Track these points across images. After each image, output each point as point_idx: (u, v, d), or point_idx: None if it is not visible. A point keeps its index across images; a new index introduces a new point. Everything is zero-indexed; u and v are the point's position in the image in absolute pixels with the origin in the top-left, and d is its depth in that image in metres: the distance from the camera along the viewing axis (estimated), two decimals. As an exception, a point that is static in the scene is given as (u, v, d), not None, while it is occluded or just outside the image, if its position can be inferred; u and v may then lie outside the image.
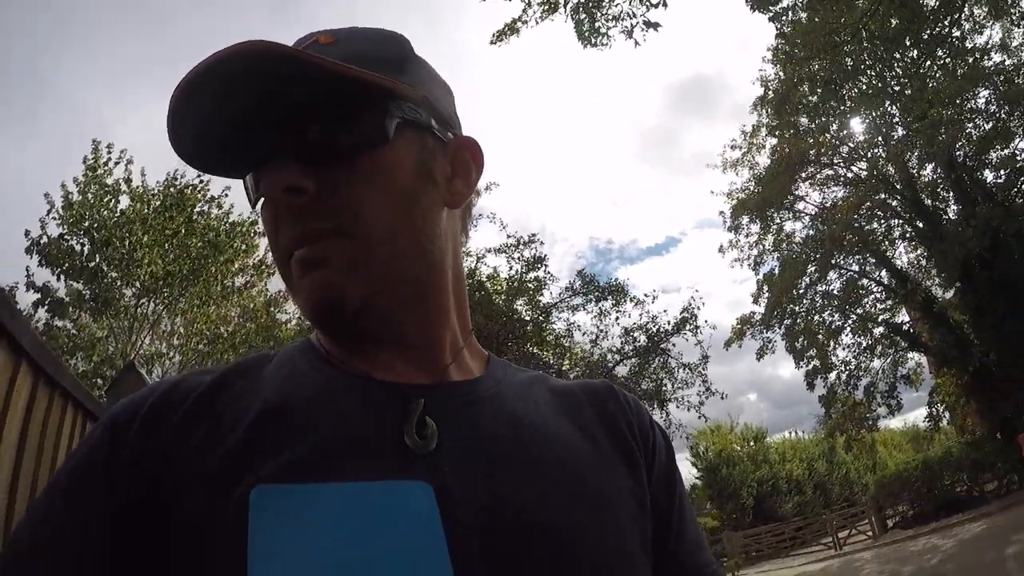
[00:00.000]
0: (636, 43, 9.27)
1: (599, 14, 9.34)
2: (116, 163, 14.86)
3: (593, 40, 9.58)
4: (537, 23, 9.44)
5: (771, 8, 9.55)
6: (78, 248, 14.21)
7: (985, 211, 17.98)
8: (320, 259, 0.66)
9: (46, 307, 13.86)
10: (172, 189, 15.23)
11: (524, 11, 9.34)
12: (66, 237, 14.15)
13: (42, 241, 13.74)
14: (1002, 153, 19.63)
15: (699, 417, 20.04)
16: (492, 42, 10.01)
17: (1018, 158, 19.33)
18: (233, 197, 16.63)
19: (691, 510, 0.82)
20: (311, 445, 0.61)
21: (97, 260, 14.21)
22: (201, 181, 15.64)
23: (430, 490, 0.59)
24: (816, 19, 11.23)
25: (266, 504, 0.55)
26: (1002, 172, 19.76)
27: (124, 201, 14.82)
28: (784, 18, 10.62)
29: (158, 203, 14.94)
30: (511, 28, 9.55)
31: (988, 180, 20.36)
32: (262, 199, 0.69)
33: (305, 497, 0.57)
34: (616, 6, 9.29)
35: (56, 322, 14.17)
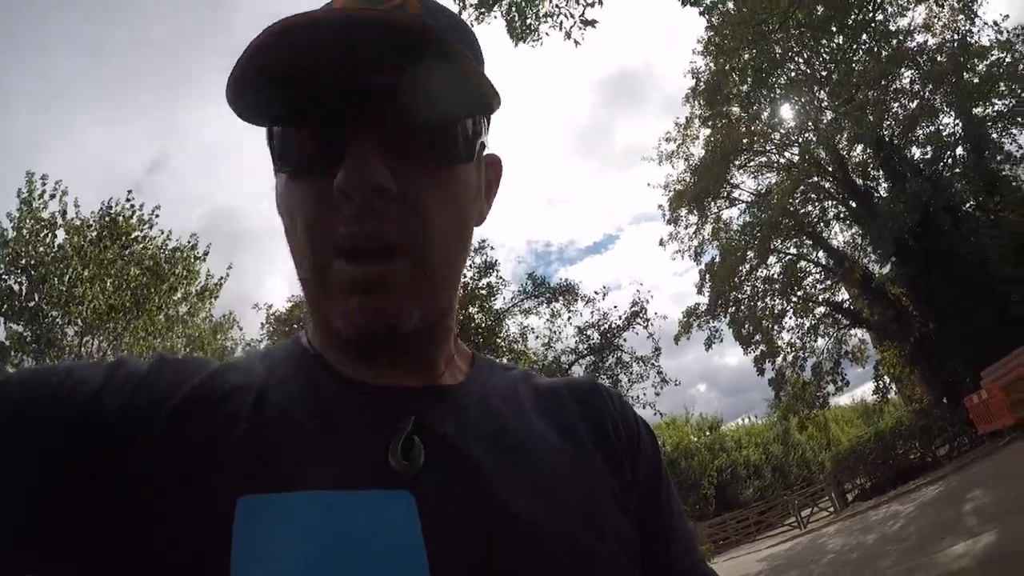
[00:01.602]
0: (576, 43, 9.54)
1: (530, 11, 9.62)
2: (52, 196, 14.55)
3: (525, 37, 9.83)
4: (473, 24, 9.45)
5: (702, 2, 9.94)
6: (16, 288, 13.87)
7: (914, 187, 18.89)
8: (379, 283, 0.62)
9: None
10: (107, 218, 15.01)
11: (459, 12, 9.42)
12: (3, 277, 13.83)
13: None
14: (928, 130, 20.58)
15: (655, 414, 20.64)
16: None
17: (943, 134, 20.35)
18: (166, 221, 16.45)
19: (678, 506, 0.84)
20: (299, 454, 0.61)
21: (36, 299, 13.87)
22: (132, 207, 15.46)
23: (412, 500, 0.60)
24: (745, 10, 11.63)
25: (251, 513, 0.56)
26: (929, 148, 20.80)
27: (60, 235, 14.50)
28: (714, 10, 11.04)
29: (94, 234, 14.68)
30: None
31: (916, 157, 21.32)
32: (303, 175, 0.64)
33: (289, 506, 0.57)
34: (549, 3, 9.59)
35: None
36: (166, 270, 15.64)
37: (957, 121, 20.12)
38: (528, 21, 9.68)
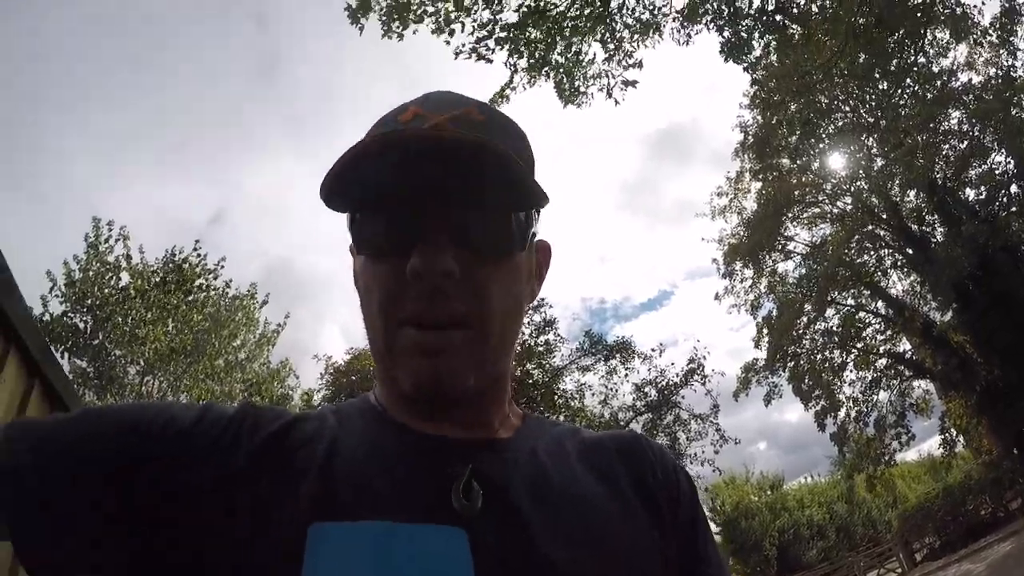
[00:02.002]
0: (616, 102, 9.79)
1: (578, 74, 9.88)
2: (116, 240, 15.23)
3: (573, 99, 10.07)
4: (524, 89, 9.82)
5: (745, 58, 10.14)
6: (81, 326, 14.47)
7: (971, 229, 18.62)
8: (444, 348, 0.71)
9: None
10: (171, 265, 15.61)
11: (511, 78, 9.75)
12: (69, 315, 14.43)
13: (44, 319, 13.96)
14: (980, 170, 20.34)
15: (714, 471, 20.31)
16: None
17: (996, 172, 20.07)
18: (229, 271, 17.09)
19: (718, 556, 0.89)
20: (365, 490, 0.69)
21: (100, 338, 14.44)
22: (199, 255, 16.06)
23: (465, 537, 0.66)
24: (788, 62, 11.76)
25: (321, 539, 0.63)
26: (982, 188, 20.54)
27: (124, 277, 15.14)
28: (758, 66, 11.22)
29: (158, 279, 15.27)
30: (501, 96, 9.91)
31: (970, 198, 21.02)
32: (381, 257, 0.75)
33: (356, 533, 0.65)
34: (594, 66, 9.89)
35: None
36: (226, 317, 16.24)
37: (1009, 159, 19.75)
38: (576, 83, 9.96)
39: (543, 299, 18.98)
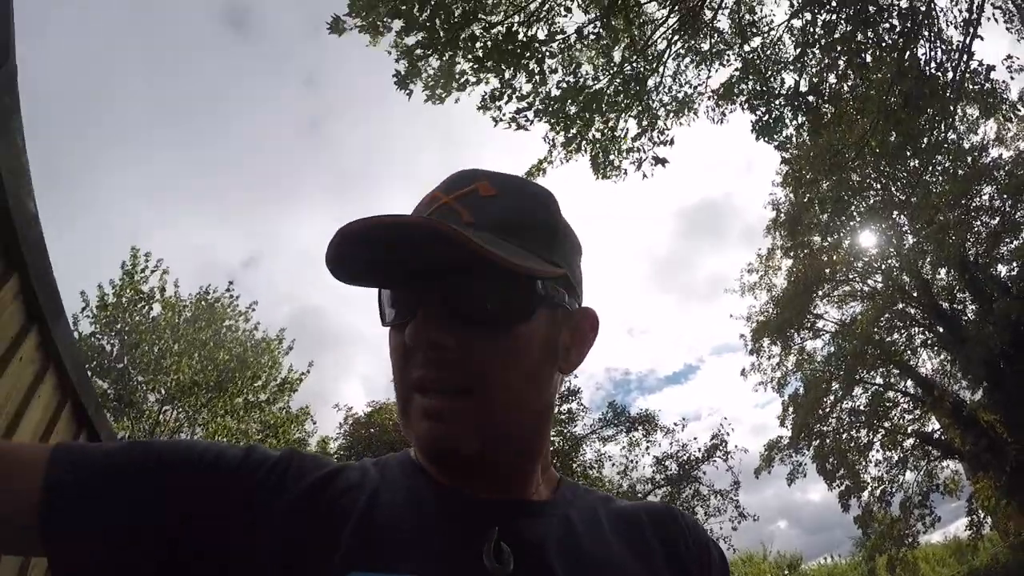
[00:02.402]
0: (644, 175, 10.06)
1: (613, 149, 10.10)
2: (152, 271, 15.64)
3: (607, 173, 10.25)
4: (562, 163, 10.03)
5: (775, 137, 10.31)
6: (108, 348, 14.84)
7: (1003, 307, 18.48)
8: (442, 413, 0.74)
9: None
10: (203, 302, 16.07)
11: (550, 152, 9.96)
12: (97, 336, 14.81)
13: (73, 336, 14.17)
14: (1012, 246, 20.15)
15: (729, 548, 19.98)
16: None
17: None
18: (259, 315, 17.32)
19: None
20: (402, 544, 0.71)
21: (125, 362, 14.78)
22: (231, 296, 16.56)
23: None
24: (820, 141, 11.92)
25: None
26: (1015, 264, 20.24)
27: (156, 308, 15.55)
28: (788, 145, 11.40)
29: (189, 314, 15.70)
30: (538, 168, 10.09)
31: (1002, 275, 20.76)
32: (396, 328, 0.81)
33: None
34: (628, 141, 10.12)
35: None
36: (252, 359, 16.48)
37: None
38: (611, 158, 10.17)
39: (567, 368, 19.12)
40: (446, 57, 7.65)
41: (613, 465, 20.60)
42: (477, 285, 0.76)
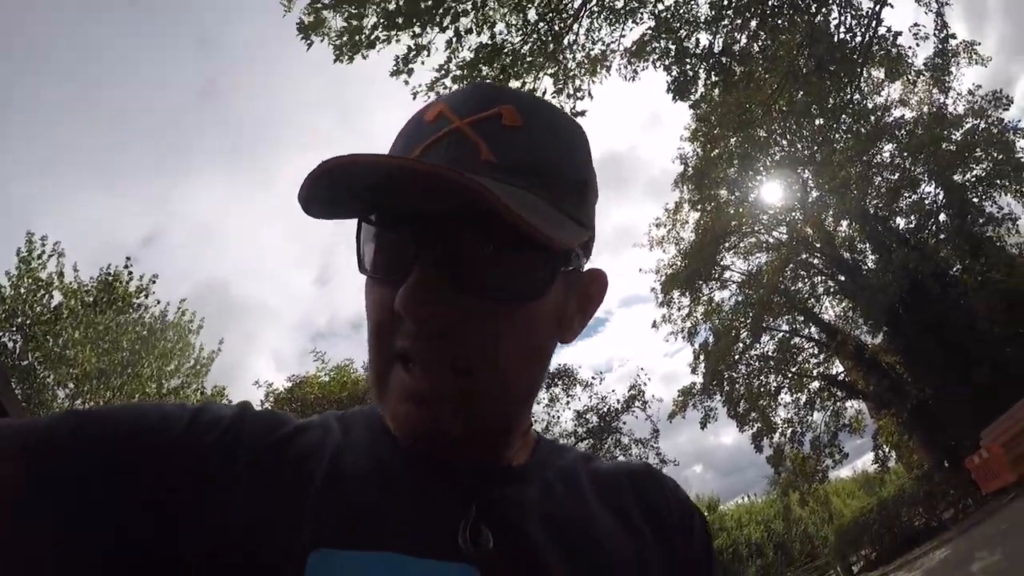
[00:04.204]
0: None
1: None
2: (49, 256, 14.61)
3: None
4: None
5: (690, 96, 10.30)
6: (10, 345, 13.84)
7: (901, 257, 19.21)
8: (427, 395, 0.63)
9: None
10: (103, 284, 15.17)
11: None
12: None
13: None
14: (911, 200, 21.15)
15: None
16: None
17: (926, 202, 20.90)
18: (163, 293, 16.53)
19: None
20: (371, 518, 0.63)
21: (30, 358, 13.84)
22: (130, 274, 15.62)
23: (476, 574, 0.62)
24: (730, 99, 12.01)
25: (323, 566, 0.58)
26: (912, 217, 21.28)
27: (57, 296, 14.55)
28: (703, 103, 11.44)
29: (91, 299, 14.77)
30: None
31: (901, 227, 21.74)
32: (379, 281, 0.65)
33: (362, 564, 0.59)
34: (552, 100, 9.81)
35: None
36: (159, 340, 15.68)
37: (938, 189, 20.67)
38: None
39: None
40: (353, 10, 7.21)
41: (536, 422, 20.66)
42: (494, 251, 0.61)
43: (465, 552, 0.63)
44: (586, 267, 0.75)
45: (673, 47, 9.98)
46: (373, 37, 7.64)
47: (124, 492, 0.58)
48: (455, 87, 9.06)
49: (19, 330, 13.99)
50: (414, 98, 8.65)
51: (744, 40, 10.23)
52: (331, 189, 0.59)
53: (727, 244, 24.58)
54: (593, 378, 20.99)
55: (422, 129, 0.65)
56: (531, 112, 0.67)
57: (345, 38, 7.43)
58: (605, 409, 20.76)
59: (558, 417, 20.90)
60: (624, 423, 20.77)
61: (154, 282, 16.06)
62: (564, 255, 0.67)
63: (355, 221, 0.66)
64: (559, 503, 0.74)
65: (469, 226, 0.60)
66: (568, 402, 20.75)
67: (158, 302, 16.23)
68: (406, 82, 8.63)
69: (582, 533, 0.72)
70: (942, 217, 21.09)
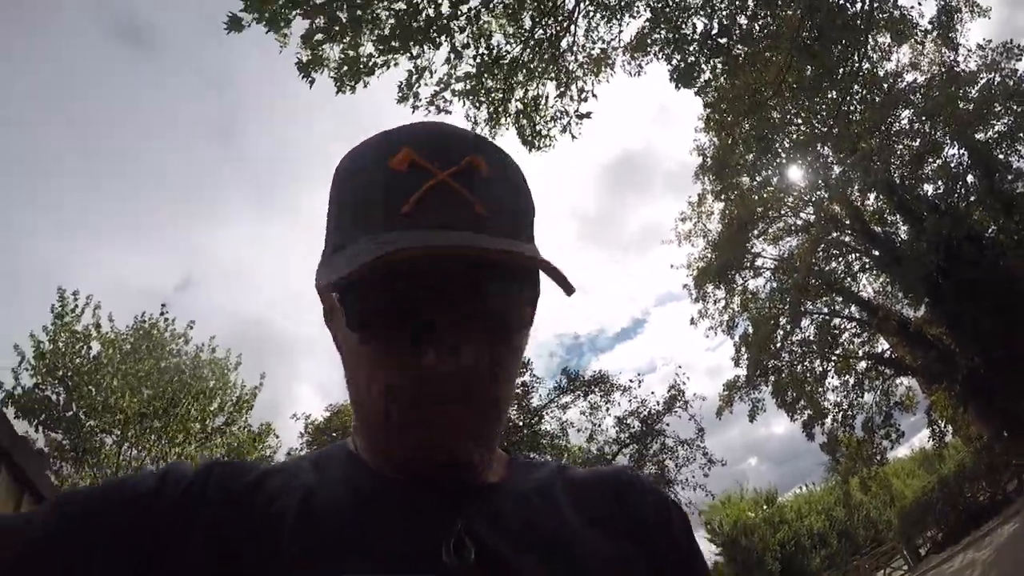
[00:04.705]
0: (573, 137, 9.87)
1: (538, 118, 9.94)
2: (83, 309, 15.04)
3: (536, 142, 10.04)
4: (486, 134, 9.69)
5: (694, 82, 10.28)
6: (54, 398, 14.21)
7: (933, 224, 19.01)
8: (469, 431, 0.68)
9: None
10: (140, 331, 15.51)
11: (472, 128, 9.94)
12: (40, 387, 14.16)
13: (16, 392, 13.77)
14: (935, 165, 20.87)
15: (706, 495, 20.23)
16: None
17: (950, 165, 20.61)
18: (200, 334, 16.79)
19: None
20: (347, 545, 0.65)
21: (74, 408, 14.21)
22: (166, 320, 16.00)
23: None
24: (738, 83, 12.00)
25: None
26: (939, 182, 20.96)
27: (96, 347, 14.92)
28: (708, 89, 11.45)
29: (128, 346, 15.13)
30: None
31: (929, 193, 21.43)
32: (377, 332, 0.67)
33: None
34: (551, 109, 9.99)
35: None
36: (196, 383, 15.92)
37: (962, 150, 20.33)
38: (537, 127, 10.02)
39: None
40: (348, 40, 7.35)
41: (579, 431, 20.56)
42: (510, 295, 0.68)
43: (450, 566, 0.65)
44: None
45: (672, 35, 10.01)
46: (371, 64, 7.78)
47: (105, 565, 0.61)
48: (456, 100, 9.19)
49: (61, 382, 14.32)
50: (413, 112, 8.77)
51: (744, 21, 10.24)
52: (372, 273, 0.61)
53: (755, 231, 24.47)
54: (631, 381, 20.88)
55: (398, 179, 0.66)
56: (492, 157, 0.72)
57: (344, 68, 7.57)
58: (646, 412, 20.64)
59: (600, 424, 20.82)
60: (668, 425, 20.66)
61: (191, 327, 16.47)
62: (537, 285, 0.72)
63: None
64: (536, 515, 0.76)
65: (488, 278, 0.65)
66: (608, 408, 20.66)
67: (196, 347, 16.51)
68: (413, 106, 8.78)
69: (559, 542, 0.74)
70: (970, 178, 20.74)
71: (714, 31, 9.80)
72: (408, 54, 7.97)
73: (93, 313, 15.17)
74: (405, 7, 7.36)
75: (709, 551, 35.36)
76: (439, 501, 0.71)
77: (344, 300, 0.67)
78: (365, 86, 7.98)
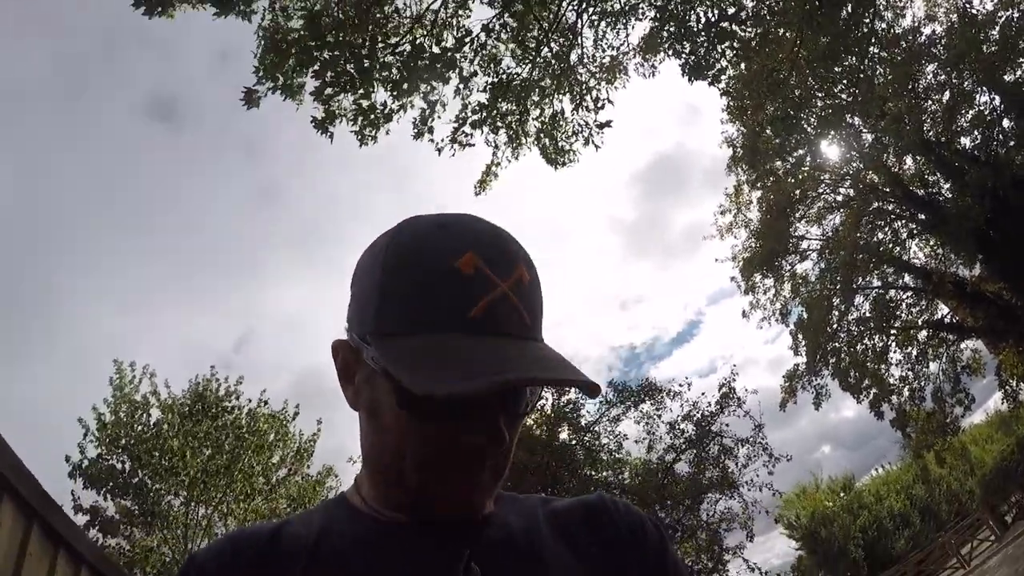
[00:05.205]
0: (597, 148, 9.88)
1: (559, 134, 10.02)
2: (140, 379, 15.64)
3: (560, 159, 10.14)
4: (509, 162, 9.95)
5: (707, 73, 10.27)
6: (119, 466, 14.80)
7: (975, 177, 18.54)
8: (462, 485, 0.79)
9: (96, 527, 14.31)
10: (195, 394, 16.06)
11: (494, 154, 9.90)
12: (105, 457, 14.75)
13: (83, 464, 14.31)
14: (969, 115, 20.26)
15: (773, 494, 19.87)
16: (477, 193, 10.25)
17: (984, 113, 19.94)
18: (258, 387, 17.15)
19: None
20: None
21: (140, 475, 14.78)
22: (216, 380, 16.48)
23: None
24: (754, 66, 11.95)
25: None
26: (976, 133, 20.31)
27: (155, 413, 15.54)
28: (723, 78, 11.43)
29: (186, 409, 15.67)
30: (490, 173, 10.04)
31: (966, 146, 20.81)
32: (427, 416, 0.75)
33: None
34: (571, 123, 10.03)
35: (109, 540, 14.58)
36: (256, 435, 16.42)
37: (993, 96, 19.67)
38: (559, 143, 10.09)
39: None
40: (360, 91, 7.53)
41: (637, 443, 20.38)
42: (529, 400, 0.81)
43: None
44: None
45: (679, 30, 10.02)
46: (387, 111, 7.94)
47: None
48: (475, 132, 9.32)
49: (125, 451, 14.91)
50: (439, 154, 8.89)
51: (751, 3, 10.22)
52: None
53: (796, 214, 24.19)
54: (680, 385, 20.58)
55: (466, 284, 0.74)
56: (530, 267, 0.81)
57: (361, 120, 7.75)
58: (698, 415, 20.36)
59: (654, 433, 20.54)
60: (727, 426, 20.31)
61: (240, 383, 16.81)
62: None
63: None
64: (527, 542, 0.85)
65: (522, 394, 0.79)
66: (660, 416, 20.43)
67: (249, 400, 16.94)
68: (431, 140, 8.94)
69: (547, 567, 0.83)
70: (1005, 123, 19.97)
71: (716, 17, 9.80)
72: (420, 94, 8.15)
73: (150, 381, 15.76)
74: (410, 48, 7.53)
75: (788, 546, 34.98)
76: (444, 536, 0.80)
77: (402, 391, 0.74)
78: (387, 134, 8.15)
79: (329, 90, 7.26)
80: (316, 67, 6.95)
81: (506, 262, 0.77)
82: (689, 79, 9.95)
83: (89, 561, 2.87)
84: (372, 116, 7.72)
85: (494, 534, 0.84)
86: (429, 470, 0.78)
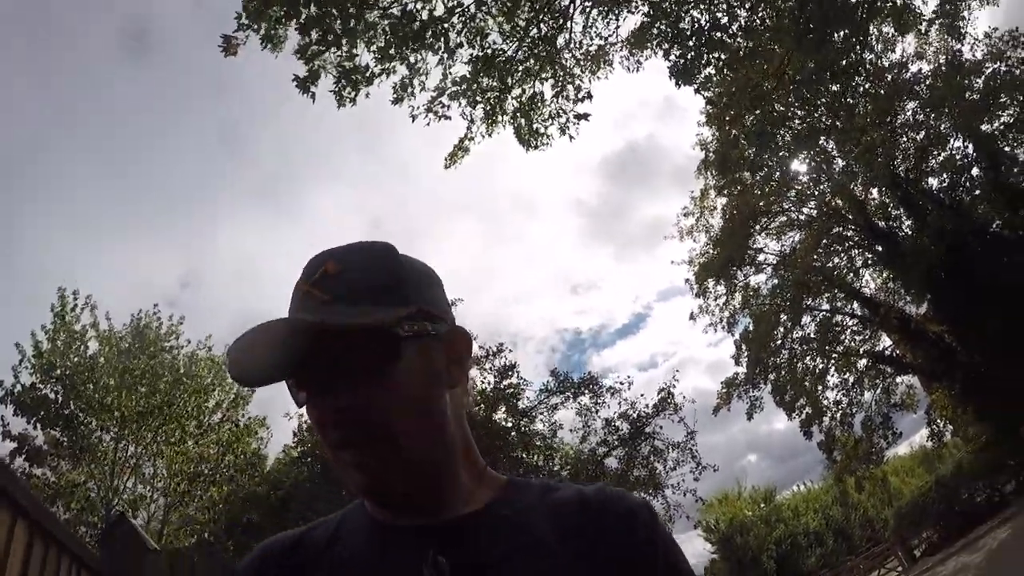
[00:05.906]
0: (571, 138, 9.98)
1: (536, 116, 10.04)
2: (83, 309, 15.45)
3: (534, 141, 10.18)
4: (483, 138, 9.96)
5: (695, 78, 10.31)
6: (52, 396, 14.66)
7: (936, 218, 19.00)
8: (365, 463, 0.88)
9: (23, 456, 14.21)
10: (135, 330, 16.03)
11: (468, 129, 9.88)
12: (39, 386, 14.61)
13: (15, 391, 14.16)
14: (940, 158, 20.75)
15: (695, 501, 20.13)
16: (447, 166, 10.27)
17: (956, 158, 20.43)
18: (200, 331, 16.97)
19: (688, 570, 0.98)
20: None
21: (72, 407, 14.68)
22: (157, 318, 16.47)
23: None
24: (739, 76, 11.99)
25: None
26: (944, 176, 20.89)
27: (93, 345, 15.42)
28: (709, 85, 11.46)
29: (125, 344, 15.60)
30: (461, 148, 10.04)
31: (933, 187, 21.34)
32: (309, 404, 0.90)
33: None
34: (548, 107, 10.09)
35: (35, 470, 14.50)
36: (190, 381, 16.44)
37: (967, 142, 20.23)
38: (534, 125, 10.12)
39: (501, 344, 19.33)
40: (344, 51, 7.47)
41: (571, 431, 20.55)
42: (345, 349, 0.86)
43: None
44: (450, 329, 1.00)
45: (671, 30, 10.04)
46: (369, 73, 7.89)
47: None
48: (453, 103, 9.29)
49: (59, 381, 14.80)
50: (412, 121, 8.92)
51: (745, 13, 10.25)
52: (248, 364, 0.89)
53: (757, 226, 24.42)
54: (620, 383, 20.75)
55: (294, 299, 0.94)
56: (344, 257, 0.95)
57: (342, 81, 7.69)
58: (635, 415, 20.57)
59: (590, 426, 20.70)
60: (661, 428, 20.51)
61: (181, 323, 16.89)
62: (393, 330, 0.89)
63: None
64: (514, 533, 0.91)
65: (330, 347, 0.86)
66: (598, 411, 20.61)
67: (188, 342, 17.01)
68: (411, 115, 8.93)
69: (532, 556, 0.88)
70: (975, 171, 20.59)
71: (709, 26, 9.82)
72: (404, 61, 8.11)
73: (91, 312, 15.64)
74: (399, 14, 7.46)
75: (704, 548, 35.71)
76: (419, 536, 0.90)
77: (288, 391, 0.94)
78: (367, 96, 8.11)
79: (314, 48, 7.20)
80: (302, 20, 6.87)
81: (312, 267, 0.94)
82: (677, 83, 9.95)
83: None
84: (354, 78, 7.66)
85: (477, 525, 0.92)
86: (325, 445, 0.92)
